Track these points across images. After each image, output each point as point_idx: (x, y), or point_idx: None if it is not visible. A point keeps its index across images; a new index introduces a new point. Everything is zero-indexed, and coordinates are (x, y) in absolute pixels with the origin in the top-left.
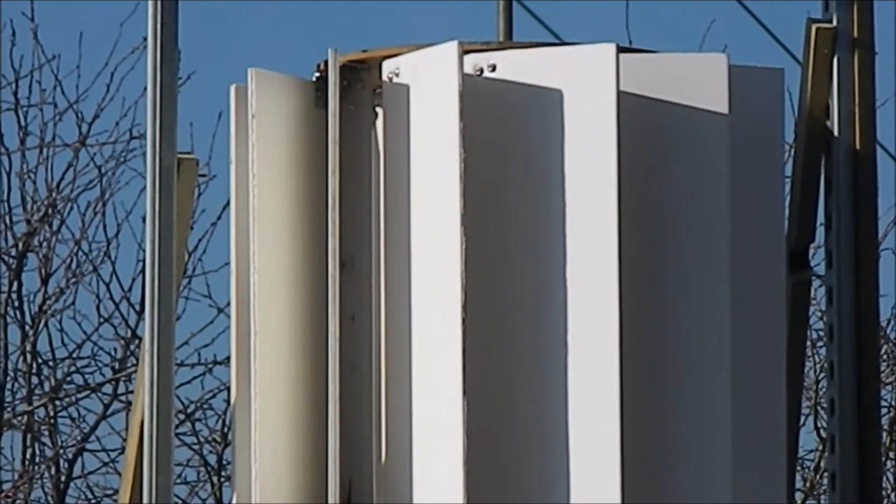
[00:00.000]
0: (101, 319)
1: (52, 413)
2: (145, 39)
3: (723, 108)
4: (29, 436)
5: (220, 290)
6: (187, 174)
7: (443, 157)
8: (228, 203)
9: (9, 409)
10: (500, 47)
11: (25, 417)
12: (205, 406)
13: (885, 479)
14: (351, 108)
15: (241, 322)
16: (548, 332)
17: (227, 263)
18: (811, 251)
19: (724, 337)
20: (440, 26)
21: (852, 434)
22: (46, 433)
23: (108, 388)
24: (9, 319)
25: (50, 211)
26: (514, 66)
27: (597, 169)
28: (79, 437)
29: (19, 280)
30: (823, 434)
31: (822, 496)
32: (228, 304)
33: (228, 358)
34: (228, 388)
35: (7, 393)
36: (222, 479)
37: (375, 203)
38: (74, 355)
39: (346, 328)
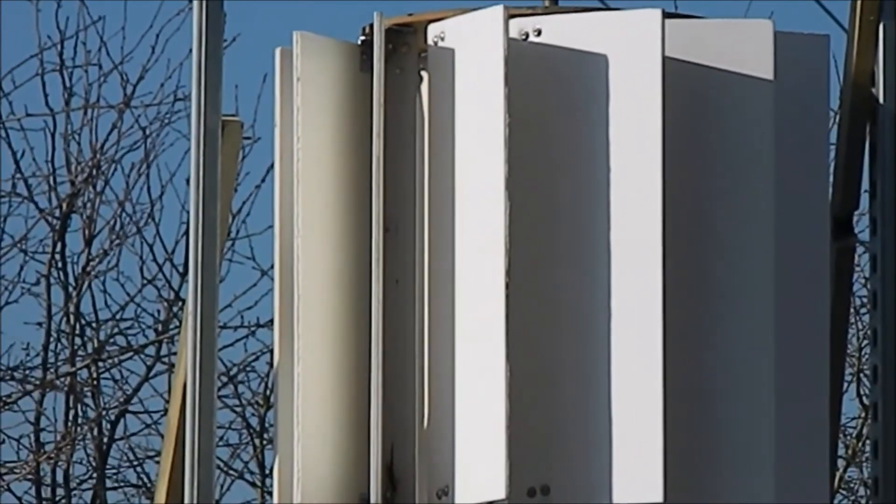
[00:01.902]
0: (145, 281)
1: (94, 374)
2: (191, 1)
3: (768, 74)
4: (72, 397)
5: (264, 253)
6: (232, 136)
7: (487, 122)
8: (272, 166)
9: (52, 370)
10: (546, 12)
11: (68, 379)
12: (248, 368)
13: None
14: (396, 72)
15: (285, 285)
16: (591, 296)
17: (271, 226)
18: (855, 218)
19: (769, 303)
20: None
21: (895, 401)
22: (89, 394)
23: (150, 350)
24: (52, 280)
25: (94, 172)
26: (560, 30)
27: (641, 134)
28: (121, 399)
29: (63, 241)
30: (866, 401)
31: (865, 464)
32: (272, 266)
33: (271, 321)
34: (271, 351)
35: (50, 354)
36: (264, 442)
37: (419, 167)
38: (118, 317)
39: (390, 292)
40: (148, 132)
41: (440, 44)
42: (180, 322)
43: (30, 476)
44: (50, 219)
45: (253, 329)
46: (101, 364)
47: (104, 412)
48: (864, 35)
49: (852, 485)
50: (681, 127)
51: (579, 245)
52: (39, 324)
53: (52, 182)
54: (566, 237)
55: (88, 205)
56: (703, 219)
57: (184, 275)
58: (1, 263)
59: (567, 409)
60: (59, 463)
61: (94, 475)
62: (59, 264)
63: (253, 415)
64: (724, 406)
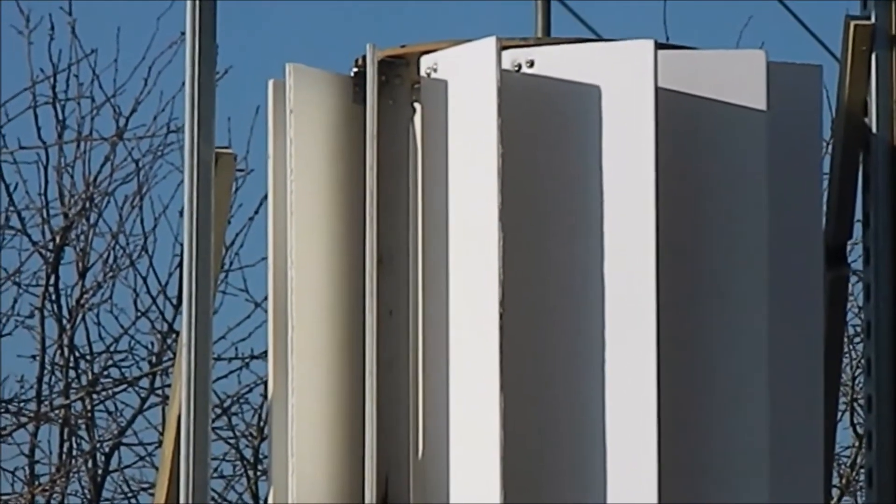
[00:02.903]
0: (139, 313)
1: (89, 407)
2: (183, 34)
3: (761, 104)
4: (66, 429)
5: (258, 285)
6: (225, 168)
7: (481, 153)
8: (266, 197)
9: (46, 402)
10: (538, 43)
11: (63, 411)
12: (241, 400)
13: None
14: (389, 104)
15: (279, 316)
16: (585, 329)
17: (265, 258)
18: (849, 247)
19: (762, 333)
20: (478, 22)
21: (889, 431)
22: (83, 427)
23: (145, 382)
24: (46, 313)
25: (87, 205)
26: (552, 61)
27: (634, 165)
28: (116, 431)
29: (57, 274)
30: (860, 430)
31: (859, 493)
32: (266, 298)
33: (265, 352)
34: (265, 383)
35: (45, 386)
36: (259, 474)
37: (413, 198)
38: (112, 349)
39: (384, 323)
40: (141, 164)
41: (433, 75)
42: (174, 354)
43: None
44: (43, 251)
45: (247, 361)
46: (95, 396)
47: (98, 444)
48: (857, 65)
49: None
50: (674, 158)
51: (574, 275)
52: (34, 356)
53: (45, 215)
54: (560, 267)
55: (82, 237)
56: (696, 249)
57: (177, 307)
58: None
59: (563, 438)
60: (54, 495)
61: None
62: (53, 297)
63: (247, 446)
64: (718, 439)
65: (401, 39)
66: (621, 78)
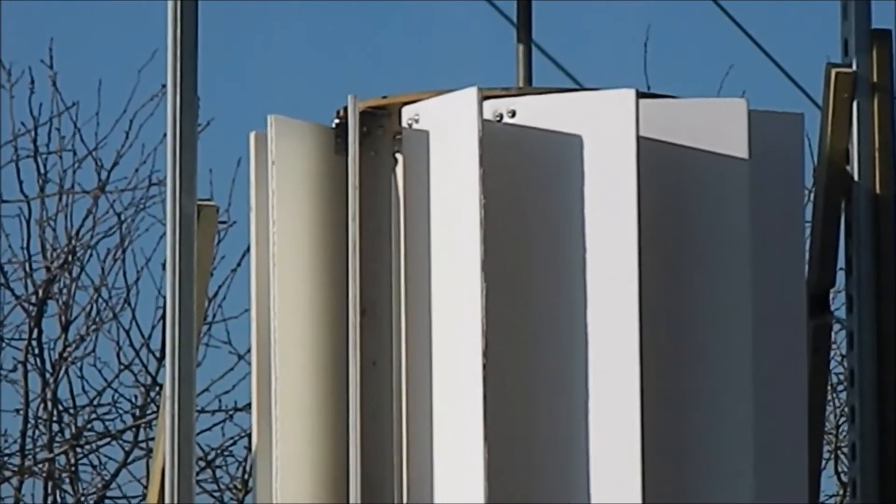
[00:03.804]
0: (122, 366)
1: (73, 460)
2: (164, 86)
3: (743, 153)
4: (50, 483)
5: (241, 337)
6: (207, 221)
7: (463, 204)
8: (248, 249)
9: (30, 456)
10: (520, 93)
11: (46, 465)
12: (226, 453)
13: None
14: (371, 155)
15: (262, 369)
16: (569, 382)
17: (248, 310)
18: (832, 295)
19: (746, 381)
20: (460, 72)
21: (873, 478)
22: (67, 480)
23: (128, 436)
24: (29, 367)
25: (70, 258)
26: (534, 111)
27: (617, 214)
28: (100, 485)
29: (39, 327)
30: (845, 479)
31: None
32: (249, 350)
33: (249, 404)
34: (249, 435)
35: (28, 440)
36: None
37: (396, 249)
38: (95, 402)
39: (367, 374)
40: (123, 217)
41: (415, 126)
42: (158, 407)
43: None
44: (26, 305)
45: (231, 413)
46: (78, 450)
47: (83, 498)
48: (839, 112)
49: None
50: (656, 206)
51: (556, 325)
52: (17, 410)
53: (27, 268)
54: (543, 318)
55: (64, 291)
56: (679, 297)
57: (161, 360)
58: None
59: (547, 489)
60: None
61: None
62: (36, 350)
63: (231, 499)
64: (703, 488)
65: (382, 90)
66: (603, 127)
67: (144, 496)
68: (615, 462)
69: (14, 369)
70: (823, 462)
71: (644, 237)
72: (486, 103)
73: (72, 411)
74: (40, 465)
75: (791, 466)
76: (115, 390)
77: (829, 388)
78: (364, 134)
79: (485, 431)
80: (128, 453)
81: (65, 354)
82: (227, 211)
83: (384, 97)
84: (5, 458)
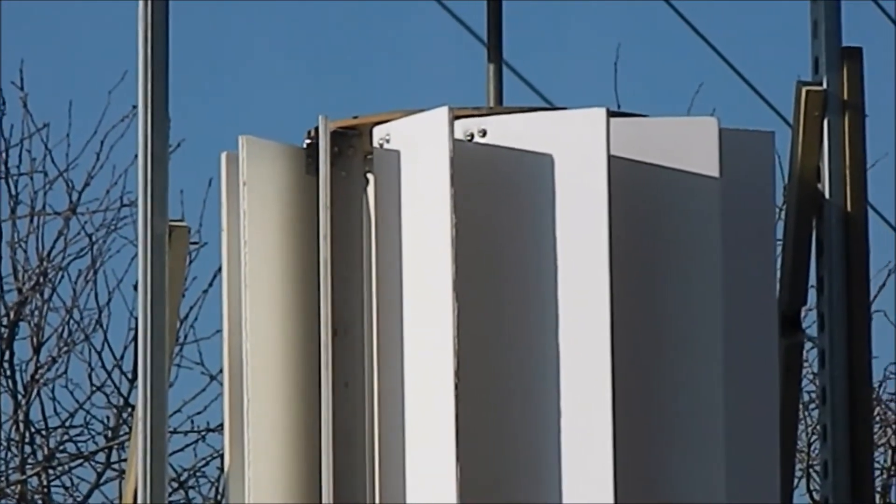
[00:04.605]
0: (94, 388)
1: (45, 482)
2: (135, 107)
3: (714, 171)
4: None
5: (212, 358)
6: (179, 242)
7: (434, 223)
8: (220, 270)
9: (2, 478)
10: (491, 112)
11: (19, 487)
12: (198, 474)
13: None
14: (342, 175)
15: (234, 389)
16: (541, 399)
17: (219, 331)
18: (803, 314)
19: (718, 400)
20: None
21: (845, 497)
22: (40, 502)
23: (101, 457)
24: (1, 388)
25: (41, 280)
26: (505, 131)
27: (588, 233)
28: None
29: (11, 349)
30: (817, 497)
31: None
32: (221, 371)
33: (221, 425)
34: (222, 456)
35: (0, 462)
36: None
37: (367, 269)
38: (67, 424)
39: (340, 395)
40: (94, 239)
41: (386, 146)
42: (130, 428)
43: None
44: None
45: (203, 434)
46: (51, 471)
47: None
48: (809, 130)
49: None
50: (628, 225)
51: (528, 344)
52: None
53: None
54: (515, 337)
55: (36, 312)
56: (651, 316)
57: (133, 381)
58: None
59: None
60: None
61: None
62: (8, 372)
63: None
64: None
65: (353, 110)
66: (574, 146)
67: None
68: (587, 477)
69: None
70: (795, 480)
71: (615, 256)
72: (457, 123)
73: (44, 433)
74: (12, 487)
75: (763, 484)
76: (88, 412)
77: (800, 406)
78: (335, 154)
79: (457, 452)
80: (100, 475)
81: (37, 376)
82: (199, 231)
83: (355, 117)
84: None
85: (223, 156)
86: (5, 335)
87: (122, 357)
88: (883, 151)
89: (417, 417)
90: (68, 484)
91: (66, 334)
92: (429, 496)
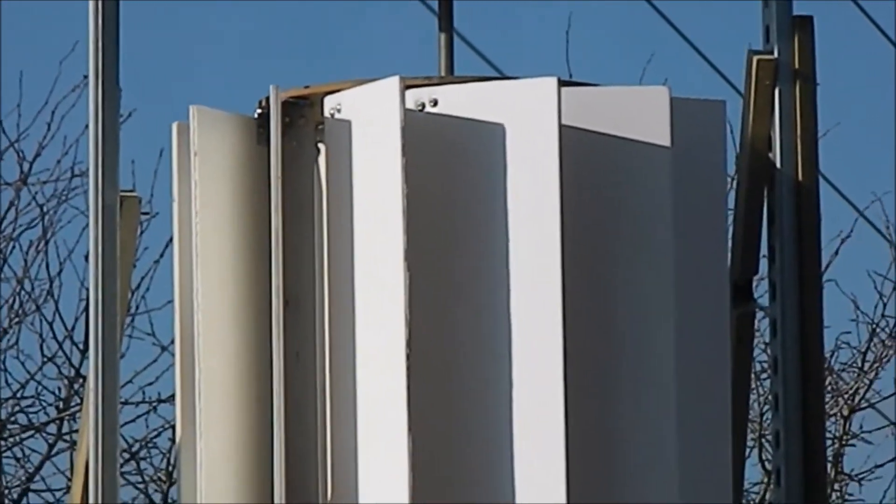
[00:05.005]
0: (45, 359)
1: None
2: (86, 77)
3: (665, 140)
4: None
5: (164, 328)
6: (130, 212)
7: (385, 193)
8: (171, 240)
9: None
10: (442, 82)
11: None
12: (150, 445)
13: None
14: (293, 145)
15: (186, 360)
16: (492, 368)
17: (171, 301)
18: (755, 283)
19: (669, 369)
20: (382, 62)
21: (798, 467)
22: None
23: (52, 428)
24: None
25: None
26: (456, 100)
27: (539, 202)
28: (23, 477)
29: None
30: (769, 467)
31: None
32: (172, 342)
33: (173, 396)
34: (173, 427)
35: None
36: None
37: (319, 240)
38: (18, 395)
39: (291, 366)
40: (45, 209)
41: (337, 116)
42: (81, 399)
43: None
44: None
45: (154, 405)
46: (2, 442)
47: (6, 490)
48: (761, 99)
49: None
50: (579, 194)
51: (480, 314)
52: None
53: None
54: (466, 307)
55: None
56: (602, 286)
57: (84, 352)
58: None
59: (471, 484)
60: None
61: None
62: None
63: (156, 491)
64: (627, 474)
65: (304, 81)
66: (525, 116)
67: (69, 488)
68: (539, 451)
69: None
70: (748, 450)
71: (567, 225)
72: (408, 92)
73: None
74: None
75: (715, 455)
76: (39, 382)
77: (752, 375)
78: (286, 124)
79: (409, 422)
80: (51, 446)
81: None
82: (150, 202)
83: (306, 87)
84: None
85: (174, 126)
86: None
87: (73, 328)
88: (834, 121)
89: (369, 388)
90: (19, 455)
91: (17, 305)
92: (380, 467)
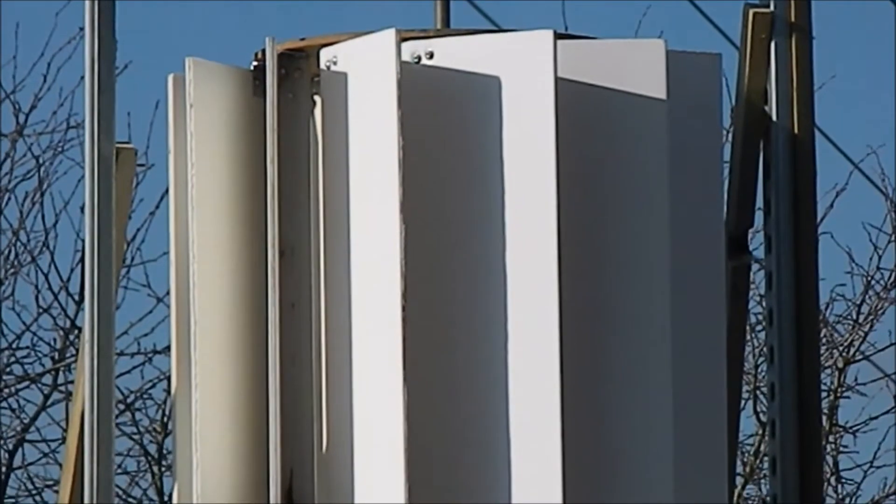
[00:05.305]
0: (41, 310)
1: None
2: (82, 29)
3: (661, 93)
4: None
5: (160, 280)
6: (126, 164)
7: (381, 145)
8: (167, 192)
9: None
10: (438, 34)
11: None
12: (145, 396)
13: (824, 463)
14: (289, 97)
15: (181, 311)
16: (488, 318)
17: (166, 253)
18: (750, 236)
19: (665, 322)
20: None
21: (793, 418)
22: None
23: (47, 379)
24: None
25: None
26: (452, 53)
27: (535, 155)
28: (19, 428)
29: None
30: (763, 418)
31: (763, 481)
32: (168, 293)
33: (168, 347)
34: (168, 378)
35: None
36: (163, 469)
37: (314, 191)
38: (14, 346)
39: (286, 317)
40: (41, 161)
41: (333, 68)
42: (77, 350)
43: None
44: None
45: (150, 356)
46: None
47: (1, 442)
48: (756, 53)
49: (751, 502)
50: (574, 147)
51: (476, 266)
52: None
53: None
54: (462, 259)
55: None
56: (598, 239)
57: (80, 303)
58: None
59: (466, 431)
60: None
61: None
62: None
63: (151, 442)
64: (621, 424)
65: (301, 33)
66: (521, 68)
67: (64, 439)
68: (534, 401)
69: None
70: (742, 402)
71: (562, 178)
72: (404, 45)
73: None
74: None
75: (710, 406)
76: (34, 334)
77: (747, 328)
78: (282, 76)
79: (404, 373)
80: (47, 396)
81: None
82: (146, 153)
83: (302, 39)
84: None
85: (170, 78)
86: None
87: (69, 279)
88: (829, 74)
89: (364, 339)
90: (15, 406)
91: (12, 256)
92: (375, 416)
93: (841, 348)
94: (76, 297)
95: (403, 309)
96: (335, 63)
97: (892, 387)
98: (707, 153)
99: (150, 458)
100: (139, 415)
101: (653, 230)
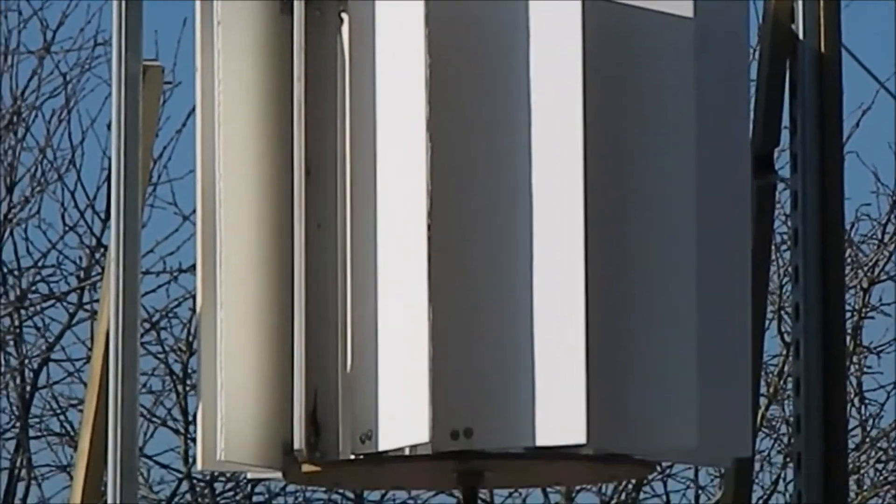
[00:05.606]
0: (66, 228)
1: (17, 322)
2: None
3: (688, 11)
4: None
5: (186, 198)
6: (153, 81)
7: (408, 63)
8: (194, 110)
9: None
10: None
11: None
12: (170, 315)
13: (847, 383)
14: (316, 14)
15: (207, 230)
16: (514, 237)
17: (193, 171)
18: (776, 155)
19: (690, 241)
20: None
21: (817, 338)
22: (11, 343)
23: (73, 297)
24: None
25: (15, 119)
26: None
27: (562, 74)
28: (44, 347)
29: None
30: (787, 339)
31: (786, 401)
32: (194, 211)
33: (194, 266)
34: (194, 297)
35: None
36: (188, 388)
37: (341, 110)
38: (39, 264)
39: (312, 235)
40: (68, 78)
41: None
42: (102, 269)
43: None
44: None
45: (175, 275)
46: (23, 312)
47: (27, 360)
48: None
49: (774, 423)
50: (601, 66)
51: (501, 185)
52: None
53: None
54: (488, 177)
55: (9, 152)
56: (623, 158)
57: (105, 221)
58: None
59: (490, 351)
60: None
61: (18, 424)
62: None
63: (176, 361)
64: (646, 345)
65: None
66: None
67: (89, 358)
68: (559, 315)
69: None
70: (767, 322)
71: (589, 97)
72: None
73: (16, 273)
74: None
75: (734, 326)
76: (60, 252)
77: (772, 247)
78: None
79: (429, 293)
80: (72, 315)
81: (10, 216)
82: (173, 71)
83: None
84: None
85: None
86: None
87: (95, 197)
88: None
89: (390, 258)
90: (40, 324)
91: (39, 174)
92: (400, 337)
93: (866, 268)
94: (102, 216)
95: (429, 228)
96: None
97: None
98: (733, 71)
99: (174, 377)
100: (164, 334)
101: (679, 149)
